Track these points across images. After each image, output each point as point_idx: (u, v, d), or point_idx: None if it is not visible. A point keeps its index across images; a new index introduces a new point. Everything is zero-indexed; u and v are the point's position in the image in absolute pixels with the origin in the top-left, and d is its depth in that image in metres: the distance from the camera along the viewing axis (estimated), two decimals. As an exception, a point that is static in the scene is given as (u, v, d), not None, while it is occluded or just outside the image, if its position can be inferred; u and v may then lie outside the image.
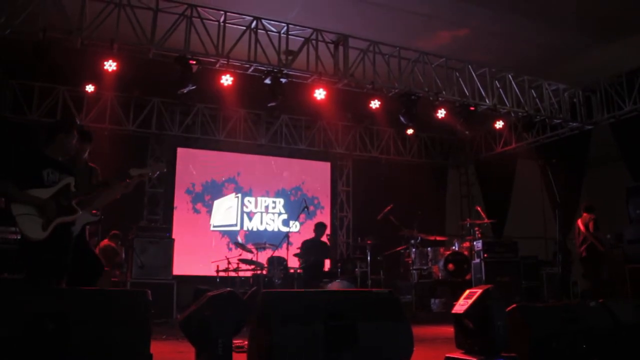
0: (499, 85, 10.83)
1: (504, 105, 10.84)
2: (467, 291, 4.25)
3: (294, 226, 12.88)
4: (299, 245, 10.58)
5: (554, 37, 9.68)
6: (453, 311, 4.23)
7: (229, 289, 3.48)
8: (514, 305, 4.34)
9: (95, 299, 3.40)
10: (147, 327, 3.31)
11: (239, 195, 13.10)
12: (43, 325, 3.02)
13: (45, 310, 3.09)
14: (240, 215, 13.01)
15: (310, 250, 10.38)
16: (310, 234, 11.05)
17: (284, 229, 10.77)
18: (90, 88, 10.34)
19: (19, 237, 4.67)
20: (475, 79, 10.55)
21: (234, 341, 4.22)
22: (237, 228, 12.91)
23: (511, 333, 4.04)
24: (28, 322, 3.00)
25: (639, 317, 4.65)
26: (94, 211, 5.33)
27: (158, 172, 5.51)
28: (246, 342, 4.08)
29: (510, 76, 10.89)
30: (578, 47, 10.02)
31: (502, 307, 4.04)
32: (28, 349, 2.96)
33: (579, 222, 10.17)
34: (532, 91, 11.17)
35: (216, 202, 12.93)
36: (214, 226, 12.80)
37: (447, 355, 4.17)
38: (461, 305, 4.16)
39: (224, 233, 12.72)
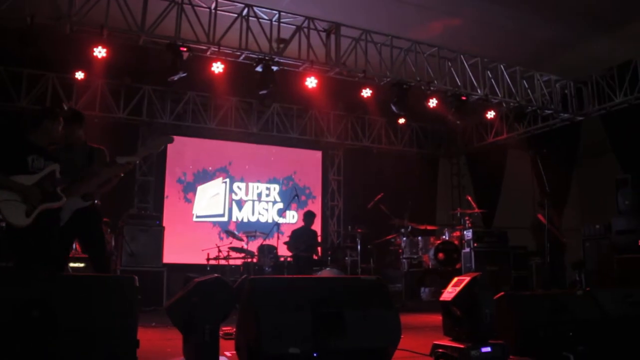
0: (490, 76, 10.83)
1: (496, 95, 10.85)
2: (455, 279, 4.26)
3: (292, 217, 12.88)
4: (290, 234, 10.60)
5: (547, 29, 9.67)
6: (441, 298, 4.25)
7: (216, 275, 3.47)
8: (502, 294, 4.37)
9: (81, 285, 3.39)
10: (134, 313, 3.30)
11: (227, 180, 12.92)
12: (28, 311, 3.00)
13: (29, 296, 3.07)
14: (229, 204, 12.89)
15: (300, 238, 10.40)
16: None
17: (280, 220, 10.73)
18: (80, 75, 10.23)
19: (4, 226, 4.64)
20: (467, 68, 10.55)
21: (223, 328, 4.22)
22: (225, 219, 12.73)
23: (498, 321, 4.06)
24: (13, 309, 2.98)
25: (625, 306, 4.69)
26: (97, 201, 5.35)
27: (163, 146, 5.52)
28: (234, 329, 4.08)
29: (502, 66, 10.88)
30: (570, 39, 10.02)
31: (489, 294, 4.06)
32: (13, 336, 2.94)
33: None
34: (524, 82, 11.17)
35: (200, 188, 12.66)
36: (198, 216, 12.56)
37: (434, 342, 4.19)
38: (449, 292, 4.18)
39: (214, 223, 12.65)
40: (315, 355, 3.35)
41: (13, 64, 10.47)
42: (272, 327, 3.30)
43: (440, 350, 4.07)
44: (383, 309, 3.64)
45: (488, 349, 3.86)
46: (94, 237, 5.32)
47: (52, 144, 4.92)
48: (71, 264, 8.21)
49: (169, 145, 12.09)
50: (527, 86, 11.20)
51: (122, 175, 5.38)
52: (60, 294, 3.17)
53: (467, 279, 4.13)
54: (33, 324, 2.99)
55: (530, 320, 4.19)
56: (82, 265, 8.16)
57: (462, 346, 3.90)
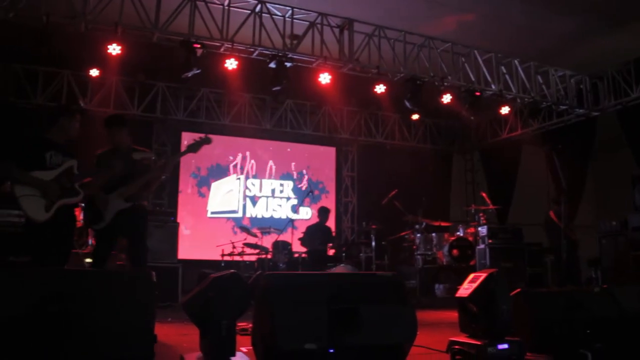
0: (504, 71, 10.78)
1: (510, 91, 10.79)
2: (471, 275, 4.24)
3: (305, 213, 12.88)
4: (304, 230, 10.60)
5: (561, 23, 9.59)
6: (457, 295, 4.22)
7: (232, 270, 3.47)
8: (518, 290, 4.34)
9: (99, 280, 3.40)
10: (151, 308, 3.32)
11: (241, 177, 12.98)
12: (46, 306, 3.02)
13: (48, 291, 3.09)
14: (243, 201, 12.93)
15: (314, 235, 10.40)
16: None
17: (294, 217, 10.73)
18: (94, 72, 10.31)
19: (23, 220, 4.71)
20: (481, 64, 10.50)
21: (238, 323, 4.23)
22: (239, 215, 12.79)
23: (514, 318, 4.03)
24: (31, 304, 3.00)
25: (643, 302, 4.64)
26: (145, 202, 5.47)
27: (201, 147, 5.61)
28: (250, 325, 4.09)
29: (516, 62, 10.81)
30: (585, 33, 9.93)
31: (506, 291, 4.03)
32: (32, 331, 2.97)
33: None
34: (539, 77, 11.10)
35: (214, 184, 12.74)
36: (212, 212, 12.64)
37: (450, 338, 4.17)
38: (465, 289, 4.15)
39: (228, 218, 12.69)
40: (331, 351, 3.34)
41: (29, 62, 10.57)
42: (288, 323, 3.30)
43: (456, 346, 4.05)
44: (399, 305, 3.62)
45: (505, 346, 3.84)
46: (135, 236, 5.42)
47: (69, 141, 4.97)
48: (87, 260, 8.26)
49: (182, 141, 12.31)
50: (541, 81, 11.13)
51: (163, 177, 5.52)
52: (78, 289, 3.19)
53: (483, 275, 4.10)
54: (50, 319, 3.01)
55: (546, 317, 4.15)
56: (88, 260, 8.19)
57: (478, 343, 3.88)
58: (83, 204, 5.87)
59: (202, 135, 5.66)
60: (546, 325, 4.11)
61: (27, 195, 4.43)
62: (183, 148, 12.04)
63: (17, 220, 7.79)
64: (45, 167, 4.60)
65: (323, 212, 10.79)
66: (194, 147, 5.59)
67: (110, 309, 3.20)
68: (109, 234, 5.28)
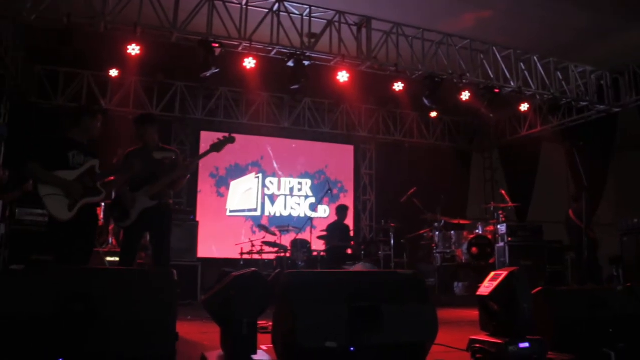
0: (524, 68, 10.69)
1: (529, 87, 10.70)
2: (492, 273, 4.21)
3: (324, 211, 12.89)
4: (324, 228, 10.61)
5: (581, 19, 9.47)
6: (478, 293, 4.20)
7: (253, 269, 3.49)
8: (539, 289, 4.30)
9: (122, 279, 3.44)
10: (173, 306, 3.34)
11: (260, 175, 13.03)
12: (70, 305, 3.06)
13: (72, 290, 3.13)
14: (262, 199, 12.97)
15: (334, 232, 10.41)
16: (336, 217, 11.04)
17: (313, 215, 10.74)
18: (114, 73, 10.41)
19: (47, 219, 4.77)
20: (500, 61, 10.43)
21: (258, 322, 4.25)
22: (258, 213, 12.82)
23: (536, 316, 4.00)
24: (56, 302, 3.04)
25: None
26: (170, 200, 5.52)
27: (225, 146, 5.68)
28: (270, 323, 4.11)
29: (535, 58, 10.72)
30: (605, 28, 9.80)
31: (528, 289, 4.00)
32: (56, 329, 3.00)
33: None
34: (558, 73, 11.00)
35: (233, 183, 12.80)
36: (231, 211, 12.69)
37: (471, 337, 4.15)
38: (486, 287, 4.13)
39: (247, 217, 12.73)
40: (351, 349, 3.35)
41: (50, 63, 10.72)
42: (309, 321, 3.31)
43: (477, 345, 4.03)
44: (420, 303, 3.61)
45: (526, 345, 3.81)
46: (160, 235, 5.46)
47: (91, 140, 5.02)
48: (108, 258, 8.34)
49: (201, 141, 12.36)
50: (561, 78, 11.03)
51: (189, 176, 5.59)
52: (101, 287, 3.22)
53: (504, 273, 4.07)
54: (75, 317, 3.04)
55: (569, 316, 4.12)
56: (118, 259, 8.27)
57: (499, 341, 3.85)
58: (103, 203, 5.93)
59: (226, 134, 5.70)
60: (568, 324, 4.07)
61: (51, 194, 4.50)
62: (202, 147, 12.26)
63: (40, 219, 7.91)
64: (68, 166, 4.66)
65: (341, 210, 10.79)
66: (217, 147, 5.62)
67: (133, 307, 3.23)
68: (134, 231, 5.32)
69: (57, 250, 4.79)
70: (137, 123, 5.51)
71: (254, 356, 3.30)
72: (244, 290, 3.27)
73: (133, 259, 5.49)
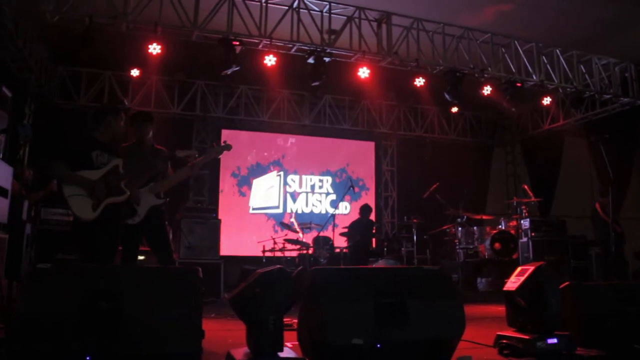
0: (546, 61, 10.57)
1: (552, 81, 10.57)
2: (519, 268, 4.17)
3: (344, 208, 12.88)
4: (345, 225, 10.59)
5: (604, 11, 9.33)
6: (505, 288, 4.16)
7: (278, 266, 3.48)
8: (567, 284, 4.25)
9: (148, 277, 3.46)
10: (199, 303, 3.35)
11: (281, 173, 13.05)
12: (96, 303, 3.08)
13: (98, 288, 3.15)
14: (283, 196, 12.99)
15: (356, 229, 10.38)
16: (357, 215, 11.01)
17: (333, 211, 10.74)
18: (135, 72, 10.51)
19: (72, 219, 4.81)
20: (522, 54, 10.32)
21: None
22: (280, 210, 12.86)
23: (563, 312, 3.95)
24: (83, 301, 3.07)
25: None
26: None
27: (222, 153, 5.68)
28: (295, 320, 4.10)
29: (557, 51, 10.59)
30: (630, 20, 9.64)
31: (555, 284, 3.95)
32: (84, 327, 3.03)
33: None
34: (581, 66, 10.86)
35: (255, 181, 12.84)
36: (254, 208, 12.75)
37: (498, 333, 4.12)
38: (513, 282, 4.09)
39: (268, 215, 12.78)
40: (378, 346, 3.33)
41: (72, 63, 10.85)
42: (335, 318, 3.30)
43: (504, 341, 4.00)
44: (447, 299, 3.59)
45: (554, 340, 3.77)
46: (164, 232, 5.51)
47: (114, 140, 5.05)
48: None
49: (222, 139, 12.41)
50: (584, 70, 10.89)
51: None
52: (127, 285, 3.24)
53: (531, 268, 4.04)
54: (101, 316, 3.07)
55: (598, 311, 4.06)
56: (142, 257, 8.33)
57: (527, 337, 3.82)
58: None
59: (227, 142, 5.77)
60: (597, 319, 4.02)
61: (75, 195, 4.53)
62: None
63: (64, 218, 8.00)
64: (92, 166, 4.69)
65: (364, 210, 10.73)
66: (215, 152, 5.70)
67: (159, 305, 3.24)
68: (141, 229, 5.31)
69: (82, 249, 4.82)
70: (138, 120, 5.52)
71: (280, 353, 3.29)
72: (269, 287, 3.27)
73: (136, 257, 5.53)
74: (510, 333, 4.03)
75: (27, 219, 7.60)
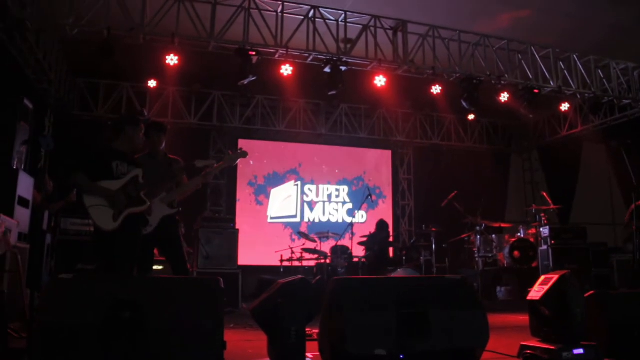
0: (563, 67, 10.49)
1: (570, 87, 10.49)
2: (542, 277, 4.12)
3: (361, 217, 12.85)
4: (362, 234, 10.55)
5: (621, 15, 9.24)
6: (528, 298, 4.11)
7: (300, 276, 3.47)
8: (592, 292, 4.19)
9: (170, 287, 3.46)
10: (220, 314, 3.34)
11: (299, 183, 13.08)
12: (119, 313, 3.08)
13: (120, 298, 3.15)
14: (301, 206, 13.01)
15: (375, 239, 10.32)
16: (374, 223, 10.93)
17: (349, 220, 10.70)
18: (152, 83, 10.59)
19: (92, 229, 4.83)
20: (539, 60, 10.26)
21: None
22: (297, 219, 12.89)
23: (589, 321, 3.89)
24: (105, 311, 3.07)
25: None
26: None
27: (238, 160, 5.68)
28: (315, 330, 4.08)
29: (575, 57, 10.51)
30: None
31: (580, 293, 3.90)
32: (105, 337, 3.03)
33: None
34: (599, 71, 10.76)
35: (273, 191, 12.91)
36: (272, 217, 12.79)
37: (522, 343, 4.06)
38: (536, 291, 4.04)
39: (286, 225, 12.77)
40: (401, 357, 3.30)
41: (90, 75, 10.97)
42: (357, 328, 3.28)
43: (528, 351, 3.94)
44: (470, 308, 3.55)
45: (580, 351, 3.72)
46: (177, 242, 5.50)
47: (133, 150, 5.07)
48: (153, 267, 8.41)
49: (239, 149, 12.39)
50: (602, 76, 10.80)
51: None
52: (150, 295, 3.25)
53: (555, 277, 3.98)
54: (124, 325, 3.07)
55: (624, 320, 4.00)
56: (161, 267, 8.35)
57: (552, 347, 3.76)
58: None
59: (242, 149, 5.78)
60: (624, 328, 3.95)
61: (96, 205, 4.55)
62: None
63: (84, 229, 8.04)
64: (112, 176, 4.71)
65: (380, 227, 10.59)
66: (231, 160, 5.67)
67: (180, 316, 3.24)
68: (153, 240, 5.31)
69: (102, 259, 4.83)
70: (152, 130, 5.51)
71: (302, 364, 3.28)
72: (292, 298, 3.26)
73: (151, 268, 5.55)
74: (534, 343, 3.97)
75: (47, 229, 7.66)
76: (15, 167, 7.13)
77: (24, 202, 6.17)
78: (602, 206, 13.46)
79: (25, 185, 6.26)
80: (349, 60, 9.07)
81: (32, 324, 4.30)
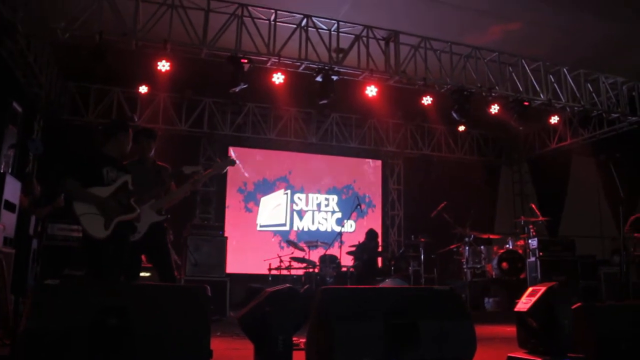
0: (553, 80, 10.56)
1: (559, 100, 10.55)
2: (530, 288, 4.13)
3: (350, 226, 12.84)
4: (351, 244, 10.54)
5: (611, 29, 9.34)
6: (516, 309, 4.12)
7: (287, 285, 3.45)
8: (579, 304, 4.19)
9: (157, 294, 3.43)
10: (207, 322, 3.32)
11: (288, 191, 13.07)
12: (105, 319, 3.05)
13: (107, 304, 3.12)
14: (290, 214, 12.99)
15: (364, 249, 10.32)
16: (363, 233, 10.94)
17: (338, 229, 10.68)
18: (143, 89, 10.56)
19: (80, 235, 4.77)
20: (529, 73, 10.32)
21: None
22: (287, 228, 12.86)
23: (576, 333, 3.90)
24: (91, 317, 3.04)
25: None
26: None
27: (226, 168, 5.68)
28: (302, 340, 4.06)
29: (565, 70, 10.59)
30: (637, 38, 9.63)
31: (567, 305, 3.91)
32: (91, 343, 3.00)
33: None
34: (589, 85, 10.84)
35: (263, 199, 12.89)
36: (261, 226, 12.76)
37: (509, 354, 4.06)
38: (524, 303, 4.04)
39: (275, 233, 12.74)
40: (389, 366, 3.29)
41: (81, 80, 10.93)
42: (345, 338, 3.26)
43: (516, 363, 3.94)
44: (458, 319, 3.55)
45: (567, 363, 3.72)
46: (165, 249, 5.44)
47: (121, 156, 5.04)
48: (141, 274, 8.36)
49: (229, 156, 12.39)
50: (591, 89, 10.87)
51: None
52: (137, 302, 3.22)
53: (542, 289, 3.99)
54: (110, 332, 3.04)
55: (611, 332, 4.00)
56: (147, 274, 8.30)
57: (539, 359, 3.76)
58: None
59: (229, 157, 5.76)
60: (611, 341, 3.95)
61: (87, 213, 4.50)
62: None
63: (71, 234, 7.99)
64: (103, 182, 4.67)
65: (370, 236, 10.59)
66: (219, 167, 5.67)
67: (167, 323, 3.22)
68: (141, 246, 5.24)
69: (90, 266, 4.79)
70: (141, 137, 5.47)
71: (288, 373, 3.26)
72: (280, 306, 3.24)
73: (138, 276, 5.50)
74: (521, 355, 3.97)
75: (34, 234, 7.60)
76: (2, 171, 7.08)
77: (10, 207, 6.11)
78: (591, 219, 13.51)
79: (12, 189, 6.19)
80: (341, 70, 9.10)
81: (16, 330, 4.25)
